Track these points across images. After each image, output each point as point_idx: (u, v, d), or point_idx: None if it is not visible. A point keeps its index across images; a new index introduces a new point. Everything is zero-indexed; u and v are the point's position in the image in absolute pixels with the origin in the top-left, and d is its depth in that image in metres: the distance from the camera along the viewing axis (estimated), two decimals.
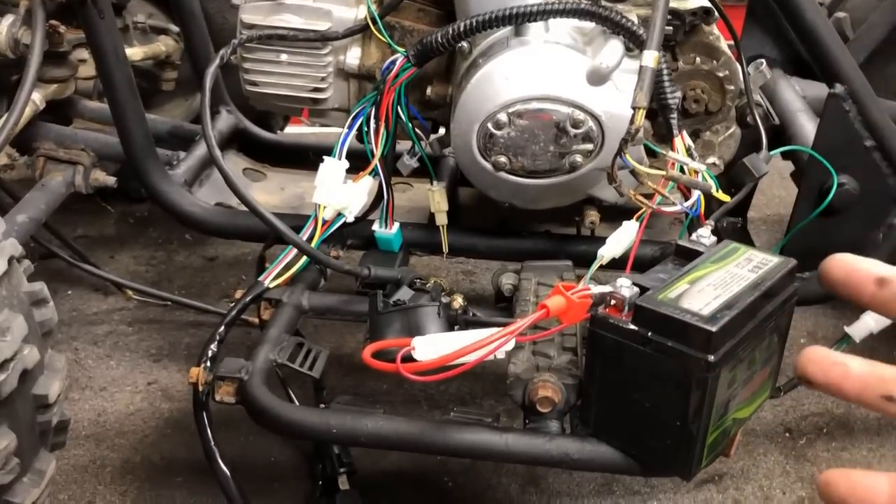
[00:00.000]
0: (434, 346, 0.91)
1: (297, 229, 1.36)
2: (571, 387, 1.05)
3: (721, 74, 1.40)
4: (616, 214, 1.47)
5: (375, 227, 1.47)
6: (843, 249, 1.39)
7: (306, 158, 1.83)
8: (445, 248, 1.49)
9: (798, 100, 1.56)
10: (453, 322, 1.16)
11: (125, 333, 2.01)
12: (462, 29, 1.26)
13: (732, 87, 1.41)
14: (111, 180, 1.69)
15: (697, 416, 0.92)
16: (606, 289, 0.95)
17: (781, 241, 1.38)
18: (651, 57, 1.08)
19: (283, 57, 1.45)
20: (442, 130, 1.53)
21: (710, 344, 0.89)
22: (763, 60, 1.54)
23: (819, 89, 1.64)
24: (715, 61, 1.40)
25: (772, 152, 1.30)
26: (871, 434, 1.81)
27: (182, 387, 1.85)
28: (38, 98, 1.58)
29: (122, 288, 2.08)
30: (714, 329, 0.89)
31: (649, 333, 0.93)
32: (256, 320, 1.62)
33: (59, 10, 1.41)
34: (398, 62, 1.33)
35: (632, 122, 1.08)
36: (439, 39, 1.28)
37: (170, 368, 1.91)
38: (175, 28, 2.22)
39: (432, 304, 1.13)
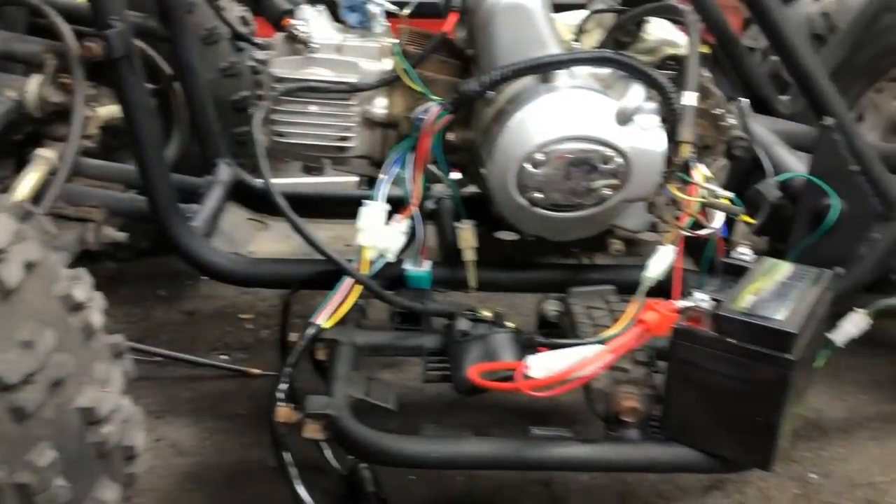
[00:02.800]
0: (547, 364, 0.99)
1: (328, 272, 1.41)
2: (650, 398, 1.15)
3: (715, 112, 1.55)
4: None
5: (407, 265, 1.53)
6: (833, 263, 1.56)
7: (304, 207, 1.88)
8: (474, 283, 1.57)
9: (770, 134, 1.74)
10: (525, 346, 1.24)
11: None
12: (499, 77, 1.36)
13: (724, 124, 1.57)
14: (122, 236, 1.68)
15: (779, 409, 1.04)
16: (689, 303, 1.06)
17: (790, 258, 1.54)
18: (692, 98, 1.21)
19: (313, 108, 1.51)
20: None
21: (791, 344, 1.01)
22: (742, 99, 1.72)
23: (781, 125, 1.84)
24: (709, 101, 1.56)
25: (778, 178, 1.46)
26: (841, 433, 1.99)
27: (193, 440, 1.84)
28: (52, 156, 1.56)
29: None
30: (795, 331, 1.01)
31: (734, 341, 1.04)
32: (254, 371, 1.65)
33: (90, 68, 1.42)
34: (433, 110, 1.42)
35: (678, 153, 1.21)
36: (476, 88, 1.38)
37: (175, 423, 1.88)
38: (148, 86, 2.23)
39: (506, 331, 1.21)
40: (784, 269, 1.18)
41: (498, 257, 1.72)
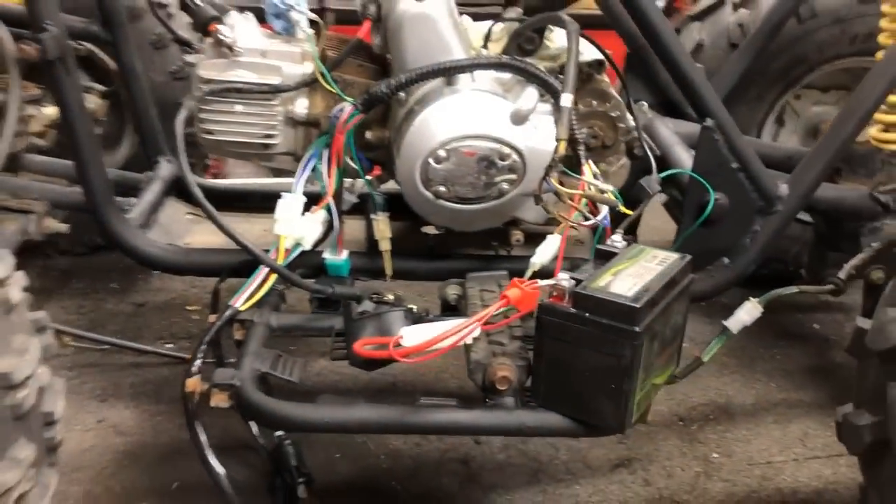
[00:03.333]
0: (418, 334, 1.11)
1: (251, 262, 1.53)
2: (523, 368, 1.27)
3: (613, 115, 1.69)
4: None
5: (326, 254, 1.65)
6: (720, 254, 1.69)
7: (237, 202, 2.00)
8: (389, 272, 1.69)
9: (672, 135, 1.87)
10: (415, 323, 1.35)
11: (67, 377, 2.06)
12: (405, 80, 1.49)
13: (623, 125, 1.70)
14: (63, 227, 1.79)
15: (629, 377, 1.16)
16: (551, 281, 1.18)
17: (673, 248, 1.67)
18: (568, 98, 1.34)
19: (238, 108, 1.63)
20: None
21: (636, 318, 1.14)
22: (644, 102, 1.86)
23: (687, 127, 1.97)
24: (607, 104, 1.69)
25: (661, 175, 1.59)
26: (747, 417, 2.13)
27: (132, 422, 1.94)
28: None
29: (58, 334, 2.13)
30: (638, 305, 1.14)
31: (587, 315, 1.16)
32: (189, 356, 1.76)
33: (28, 69, 1.53)
34: (346, 110, 1.54)
35: (556, 150, 1.33)
36: (384, 90, 1.50)
37: (117, 406, 1.99)
38: (99, 87, 2.35)
39: (399, 309, 1.33)
40: (648, 254, 1.30)
41: (422, 250, 1.84)
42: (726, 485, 1.88)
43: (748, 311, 1.79)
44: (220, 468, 1.31)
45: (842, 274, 1.74)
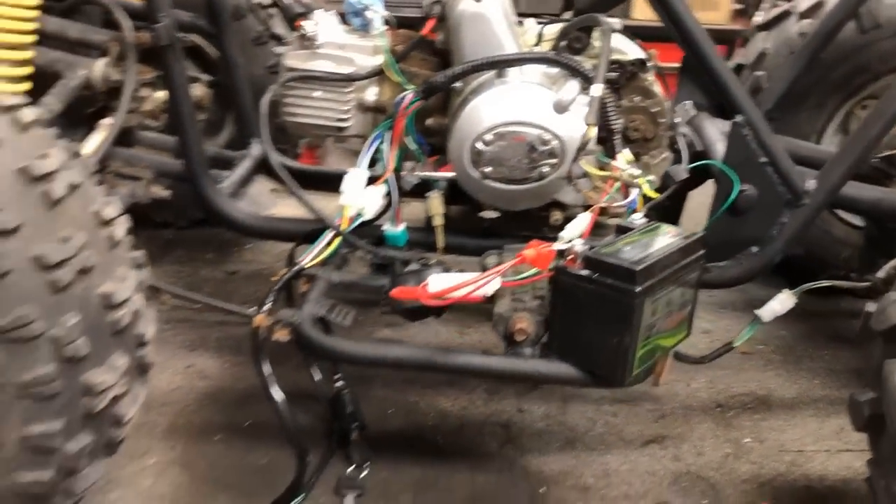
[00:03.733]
0: (443, 281, 1.30)
1: (322, 230, 1.74)
2: (541, 322, 1.44)
3: (654, 110, 1.83)
4: None
5: (385, 226, 1.85)
6: (750, 243, 1.82)
7: (317, 182, 2.23)
8: (441, 244, 1.88)
9: (718, 133, 1.98)
10: None
11: (163, 329, 2.36)
12: (460, 71, 1.68)
13: (663, 120, 1.84)
14: (166, 193, 2.07)
15: (628, 332, 1.32)
16: (565, 245, 1.35)
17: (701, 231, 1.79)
18: (597, 88, 1.50)
19: (317, 94, 1.86)
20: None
21: (635, 279, 1.29)
22: (689, 102, 1.98)
23: None
24: (650, 100, 1.83)
25: (690, 165, 1.73)
26: (785, 409, 2.21)
27: (215, 370, 2.21)
28: (113, 126, 1.96)
29: (159, 292, 2.43)
30: (637, 268, 1.29)
31: (595, 275, 1.32)
32: (253, 311, 1.99)
33: (143, 53, 1.81)
34: (408, 97, 1.75)
35: (585, 134, 1.50)
36: (442, 79, 1.70)
37: (203, 356, 2.26)
38: (205, 77, 2.64)
39: (437, 266, 1.52)
40: (662, 230, 1.45)
41: (474, 229, 2.02)
42: (754, 467, 1.98)
43: (781, 302, 1.90)
44: (278, 395, 1.52)
45: (880, 273, 1.82)
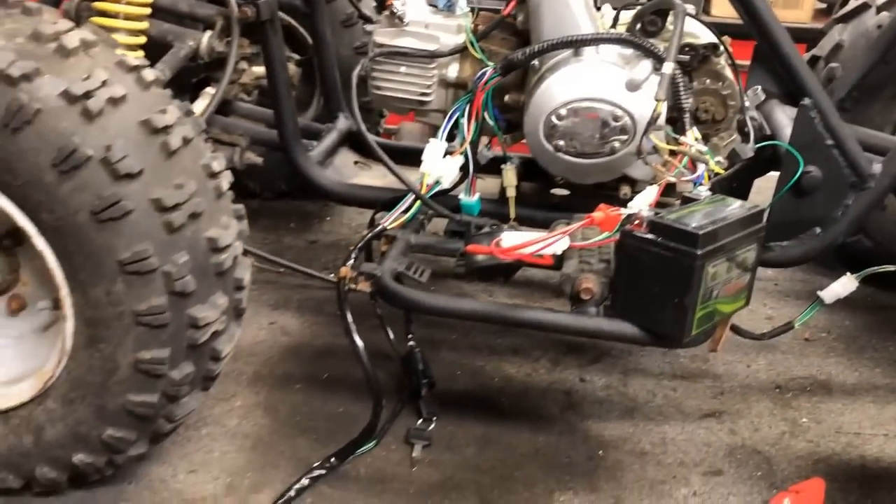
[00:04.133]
0: (516, 238, 1.41)
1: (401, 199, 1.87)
2: (605, 284, 1.54)
3: (724, 93, 1.90)
4: None
5: (461, 195, 1.97)
6: (813, 224, 1.88)
7: (397, 157, 2.36)
8: (513, 215, 1.99)
9: (787, 119, 2.03)
10: None
11: (249, 289, 2.52)
12: (537, 49, 1.79)
13: (733, 103, 1.91)
14: (259, 160, 2.23)
15: (688, 293, 1.40)
16: (633, 210, 1.44)
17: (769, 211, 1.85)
18: (669, 66, 1.59)
19: (402, 69, 1.99)
20: None
21: (698, 242, 1.38)
22: (759, 87, 2.04)
23: None
24: (721, 83, 1.90)
25: (757, 145, 1.79)
26: (845, 394, 2.24)
27: (296, 327, 2.36)
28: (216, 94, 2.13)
29: (247, 255, 2.59)
30: (700, 233, 1.38)
31: (659, 238, 1.41)
32: (333, 277, 2.10)
33: (245, 28, 1.96)
34: (488, 73, 1.86)
35: (655, 109, 1.58)
36: (520, 57, 1.81)
37: (286, 314, 2.42)
38: (295, 56, 2.80)
39: (510, 228, 1.62)
40: (726, 202, 1.52)
41: (545, 203, 2.13)
42: (810, 445, 2.03)
43: (843, 284, 1.95)
44: (359, 341, 1.66)
45: None
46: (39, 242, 1.43)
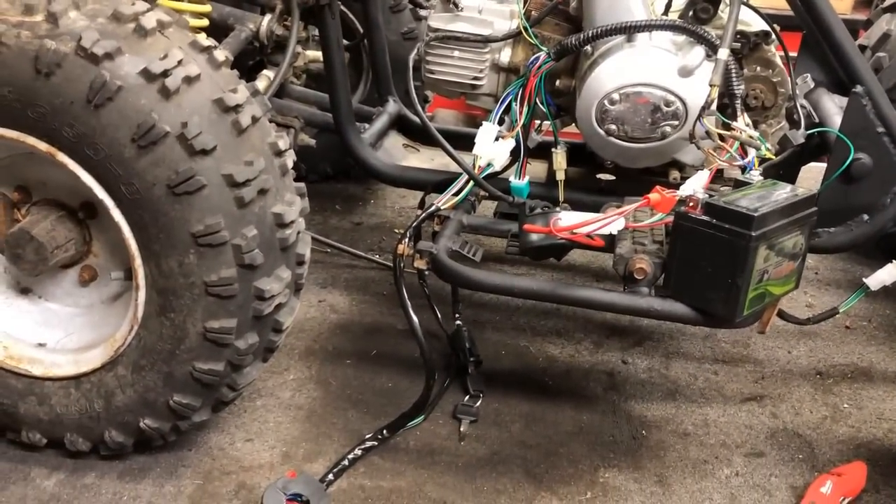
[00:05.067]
0: (573, 218, 1.45)
1: (453, 180, 1.92)
2: (658, 265, 1.57)
3: (774, 80, 1.92)
4: None
5: (511, 178, 2.01)
6: (861, 211, 1.90)
7: (450, 140, 2.40)
8: (562, 197, 2.02)
9: (835, 107, 2.05)
10: None
11: None
12: (590, 35, 1.82)
13: (783, 90, 1.93)
14: (312, 142, 2.29)
15: (741, 273, 1.44)
16: (689, 192, 1.48)
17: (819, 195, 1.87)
18: (724, 52, 1.62)
19: (456, 53, 2.03)
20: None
21: (753, 224, 1.41)
22: (808, 75, 2.06)
23: None
24: (771, 71, 1.92)
25: (808, 132, 1.81)
26: (887, 382, 2.26)
27: (344, 305, 2.42)
28: (271, 76, 2.19)
29: None
30: (755, 214, 1.41)
31: (714, 220, 1.45)
32: (379, 257, 2.14)
33: (302, 12, 2.02)
34: (541, 58, 1.89)
35: (709, 95, 1.61)
36: (574, 42, 1.84)
37: (334, 293, 2.48)
38: (345, 42, 2.85)
39: (563, 209, 1.66)
40: (778, 186, 1.55)
41: (593, 187, 2.16)
42: (851, 430, 2.05)
43: (889, 272, 1.97)
44: (415, 317, 1.71)
45: None
46: (116, 215, 1.49)
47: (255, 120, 1.55)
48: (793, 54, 2.02)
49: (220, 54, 1.57)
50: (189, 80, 1.46)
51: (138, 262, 1.53)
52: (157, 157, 1.43)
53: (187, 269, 1.50)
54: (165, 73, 1.42)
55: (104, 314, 1.72)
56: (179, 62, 1.45)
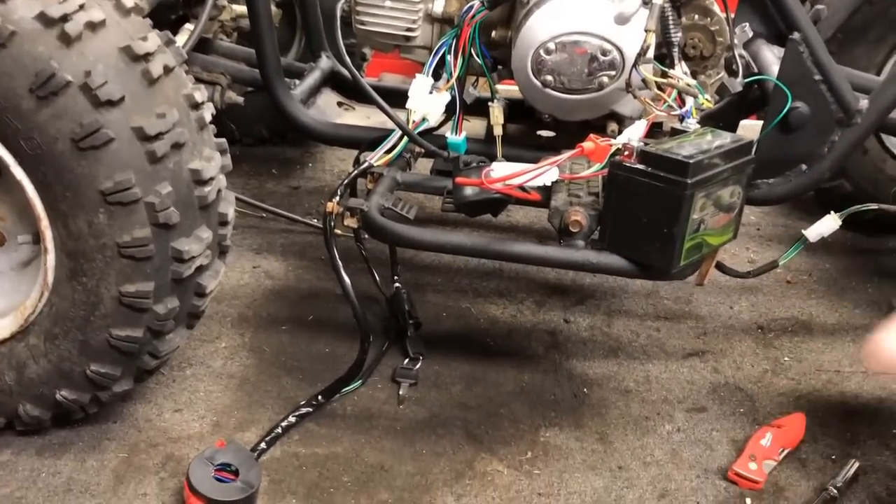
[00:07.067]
0: (505, 169, 1.39)
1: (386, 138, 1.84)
2: (594, 217, 1.53)
3: (713, 29, 1.88)
4: None
5: (447, 134, 1.94)
6: (800, 160, 1.87)
7: (385, 97, 2.32)
8: (500, 154, 1.97)
9: (774, 58, 2.02)
10: None
11: (231, 234, 2.49)
12: None
13: (721, 39, 1.89)
14: (240, 100, 2.19)
15: (677, 222, 1.40)
16: (623, 140, 1.43)
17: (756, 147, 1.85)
18: None
19: (387, 3, 1.95)
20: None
21: (688, 171, 1.37)
22: (747, 24, 2.02)
23: None
24: (709, 19, 1.88)
25: (746, 80, 1.78)
26: (826, 334, 2.27)
27: (280, 271, 2.34)
28: (196, 28, 2.08)
29: None
30: (691, 161, 1.37)
31: (649, 168, 1.40)
32: (316, 221, 2.07)
33: None
34: (475, 7, 1.82)
35: (644, 41, 1.56)
36: None
37: (269, 259, 2.40)
38: None
39: (499, 162, 1.61)
40: (715, 133, 1.52)
41: (531, 142, 2.11)
42: (791, 382, 2.05)
43: (827, 223, 1.97)
44: (347, 278, 1.64)
45: None
46: (18, 172, 1.39)
47: (167, 70, 1.45)
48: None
49: (129, 0, 1.47)
50: (93, 26, 1.36)
51: (45, 224, 1.43)
52: (58, 108, 1.33)
53: (98, 229, 1.40)
54: (65, 18, 1.32)
55: (14, 281, 1.62)
56: (81, 6, 1.35)
